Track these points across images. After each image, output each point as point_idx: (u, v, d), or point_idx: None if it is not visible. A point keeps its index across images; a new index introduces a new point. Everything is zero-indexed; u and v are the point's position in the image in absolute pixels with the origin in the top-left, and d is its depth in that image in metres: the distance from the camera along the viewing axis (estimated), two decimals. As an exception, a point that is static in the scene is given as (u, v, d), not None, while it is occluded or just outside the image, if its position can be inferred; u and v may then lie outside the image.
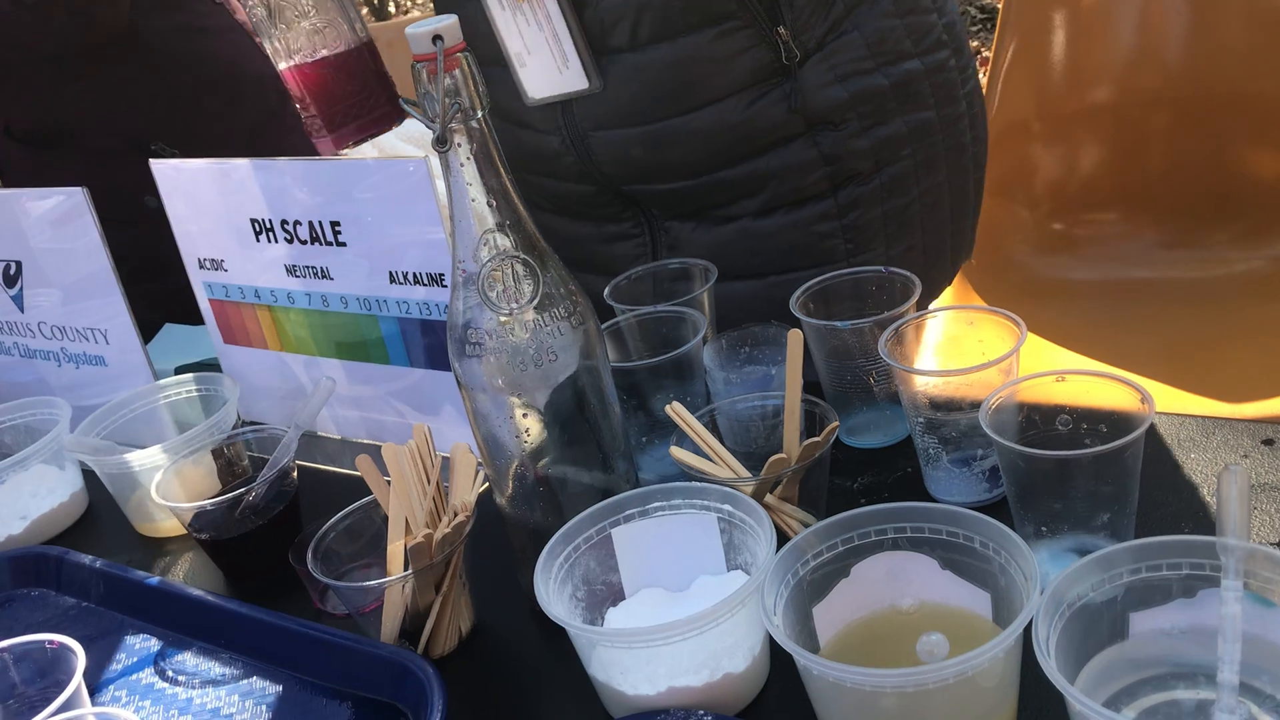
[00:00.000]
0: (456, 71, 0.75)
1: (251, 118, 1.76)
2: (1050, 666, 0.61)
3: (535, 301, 0.79)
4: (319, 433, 1.22)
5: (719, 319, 1.08)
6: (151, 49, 1.68)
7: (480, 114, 0.76)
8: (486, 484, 0.89)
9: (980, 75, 1.38)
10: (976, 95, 1.29)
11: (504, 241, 0.78)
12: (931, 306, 0.95)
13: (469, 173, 0.77)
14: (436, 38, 0.73)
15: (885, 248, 1.23)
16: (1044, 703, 0.71)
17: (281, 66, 1.03)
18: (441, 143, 0.75)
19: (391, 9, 6.54)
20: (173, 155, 1.66)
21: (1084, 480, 0.75)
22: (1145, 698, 0.67)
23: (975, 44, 4.49)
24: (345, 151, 1.07)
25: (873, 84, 1.16)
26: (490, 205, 0.78)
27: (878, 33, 1.16)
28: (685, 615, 0.72)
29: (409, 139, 2.23)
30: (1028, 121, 1.93)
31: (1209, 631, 0.65)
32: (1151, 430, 0.93)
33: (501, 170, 0.78)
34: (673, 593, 0.84)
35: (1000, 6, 1.97)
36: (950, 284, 1.37)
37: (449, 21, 0.74)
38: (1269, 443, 0.89)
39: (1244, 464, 0.87)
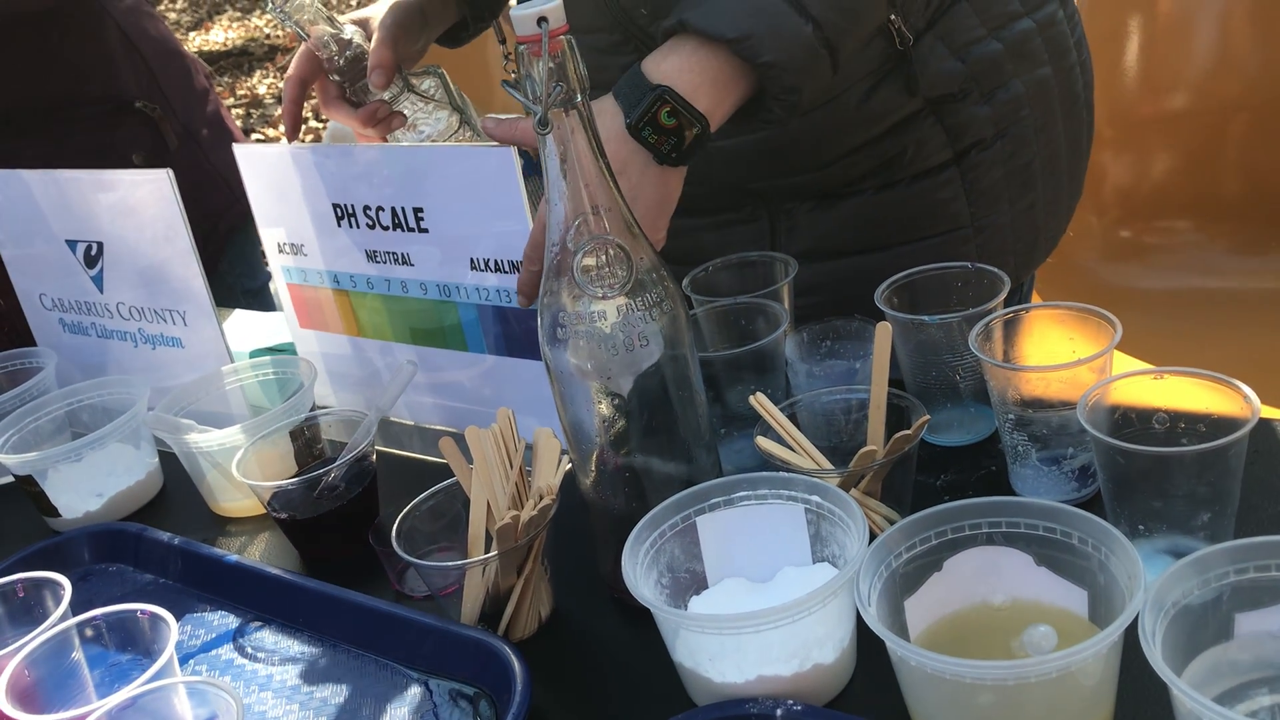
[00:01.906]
0: (559, 54, 0.75)
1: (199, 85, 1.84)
2: (1156, 657, 0.60)
3: (627, 287, 0.79)
4: (392, 418, 1.22)
5: (836, 299, 1.07)
6: (103, 14, 1.73)
7: (580, 97, 0.76)
8: (569, 468, 0.89)
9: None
10: (1084, 41, 1.27)
11: (598, 226, 0.78)
12: (1016, 305, 0.94)
13: (568, 156, 0.77)
14: (542, 19, 0.73)
15: (1010, 205, 1.21)
16: (1141, 703, 0.70)
17: None
18: (544, 125, 0.75)
19: None
20: (154, 113, 1.72)
21: (1184, 479, 0.73)
22: (1251, 700, 0.66)
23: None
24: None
25: (988, 51, 1.15)
26: (585, 188, 0.78)
27: None
28: (769, 604, 0.71)
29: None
30: (1099, 128, 1.90)
31: (1319, 634, 0.64)
32: (1259, 430, 0.92)
33: (598, 154, 0.78)
34: (756, 583, 0.83)
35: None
36: (1066, 231, 1.34)
37: (554, 3, 0.74)
38: (1368, 449, 0.87)
39: (1343, 470, 0.86)
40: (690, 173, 0.94)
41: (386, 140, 1.19)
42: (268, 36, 7.08)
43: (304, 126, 5.68)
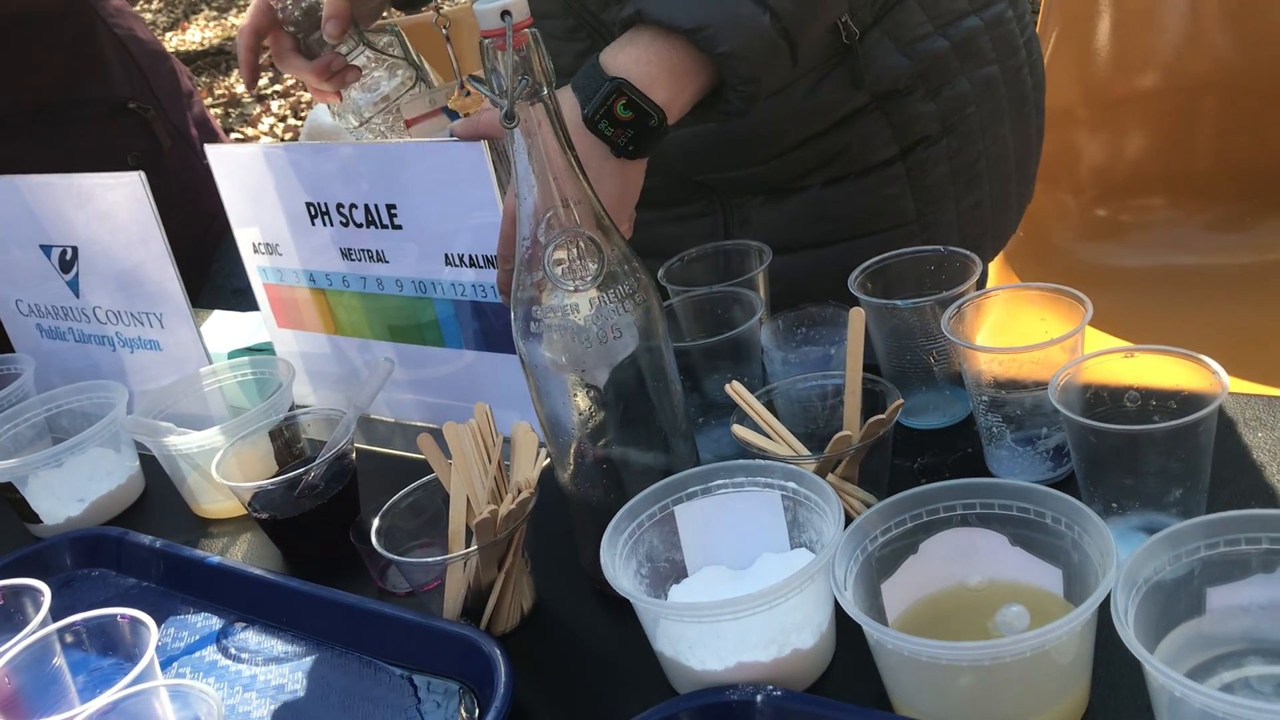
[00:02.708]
0: (524, 47, 0.75)
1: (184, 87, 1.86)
2: (1129, 634, 0.61)
3: (599, 278, 0.79)
4: (372, 415, 1.22)
5: (790, 291, 1.07)
6: (93, 15, 1.74)
7: (546, 90, 0.76)
8: (548, 461, 0.89)
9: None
10: (1034, 41, 1.27)
11: (568, 218, 0.78)
12: (989, 287, 0.94)
13: (535, 149, 0.77)
14: (505, 13, 0.73)
15: (955, 203, 1.22)
16: (1116, 679, 0.71)
17: None
18: (510, 119, 0.75)
19: (422, 4, 6.56)
20: (148, 114, 1.72)
21: (1156, 456, 0.74)
22: (1223, 673, 0.67)
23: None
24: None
25: (934, 48, 1.15)
26: (554, 181, 0.78)
27: None
28: (748, 591, 0.72)
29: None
30: (1072, 108, 1.92)
31: (1289, 607, 0.65)
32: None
33: (565, 147, 0.78)
34: (736, 570, 0.84)
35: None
36: (1016, 230, 1.35)
37: (518, -4, 0.74)
38: (1338, 422, 0.88)
39: (1313, 443, 0.86)
40: (648, 164, 0.94)
41: (341, 97, 1.18)
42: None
43: (284, 124, 5.67)
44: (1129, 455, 0.75)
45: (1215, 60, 1.77)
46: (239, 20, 7.20)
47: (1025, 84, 1.26)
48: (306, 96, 5.98)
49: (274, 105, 5.96)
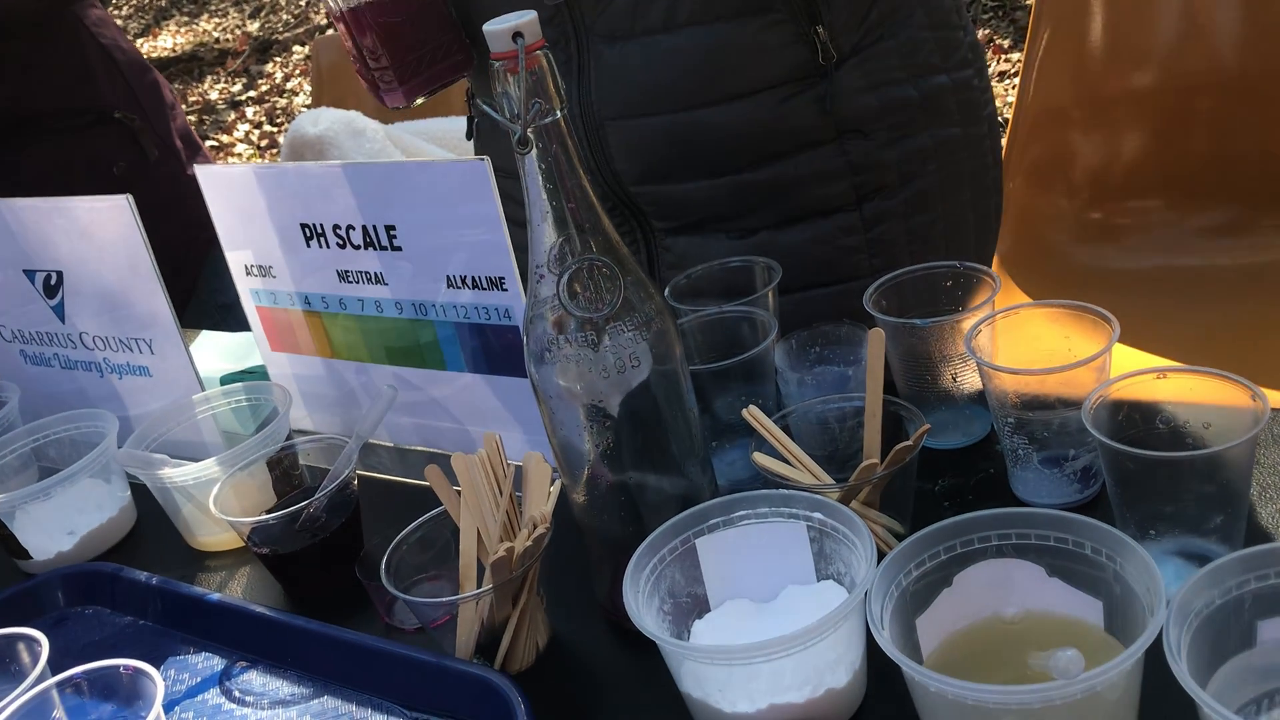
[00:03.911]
0: (536, 69, 0.72)
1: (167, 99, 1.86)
2: (1182, 670, 0.58)
3: (616, 306, 0.77)
4: (371, 440, 1.19)
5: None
6: (78, 25, 1.74)
7: (560, 113, 0.73)
8: (560, 490, 0.86)
9: (991, 65, 1.37)
10: (995, 122, 1.28)
11: (584, 244, 0.76)
12: (1010, 305, 0.92)
13: (548, 174, 0.74)
14: (517, 35, 0.70)
15: (911, 266, 1.20)
16: (1165, 715, 0.69)
17: (347, 7, 0.98)
18: (523, 144, 0.72)
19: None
20: (134, 124, 1.70)
21: (1196, 482, 0.72)
22: (1275, 711, 0.65)
23: (987, 32, 4.45)
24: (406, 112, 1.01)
25: (903, 94, 1.15)
26: (570, 207, 0.75)
27: (910, 43, 1.15)
28: (775, 626, 0.69)
29: (432, 138, 2.20)
30: (1065, 108, 1.90)
31: (1343, 639, 0.63)
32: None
33: (580, 171, 0.75)
34: (759, 604, 0.81)
35: (1035, -8, 1.93)
36: None
37: (529, 18, 0.71)
38: (1368, 437, 0.86)
39: (1345, 460, 0.85)
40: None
41: None
42: (217, 41, 6.97)
43: (259, 130, 5.60)
44: (1167, 481, 0.73)
45: (1212, 57, 1.75)
46: (210, 26, 7.14)
47: (986, 157, 1.25)
48: (282, 102, 5.93)
49: (249, 112, 5.91)
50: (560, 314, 0.77)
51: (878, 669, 0.76)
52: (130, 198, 1.14)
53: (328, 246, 1.10)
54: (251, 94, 6.12)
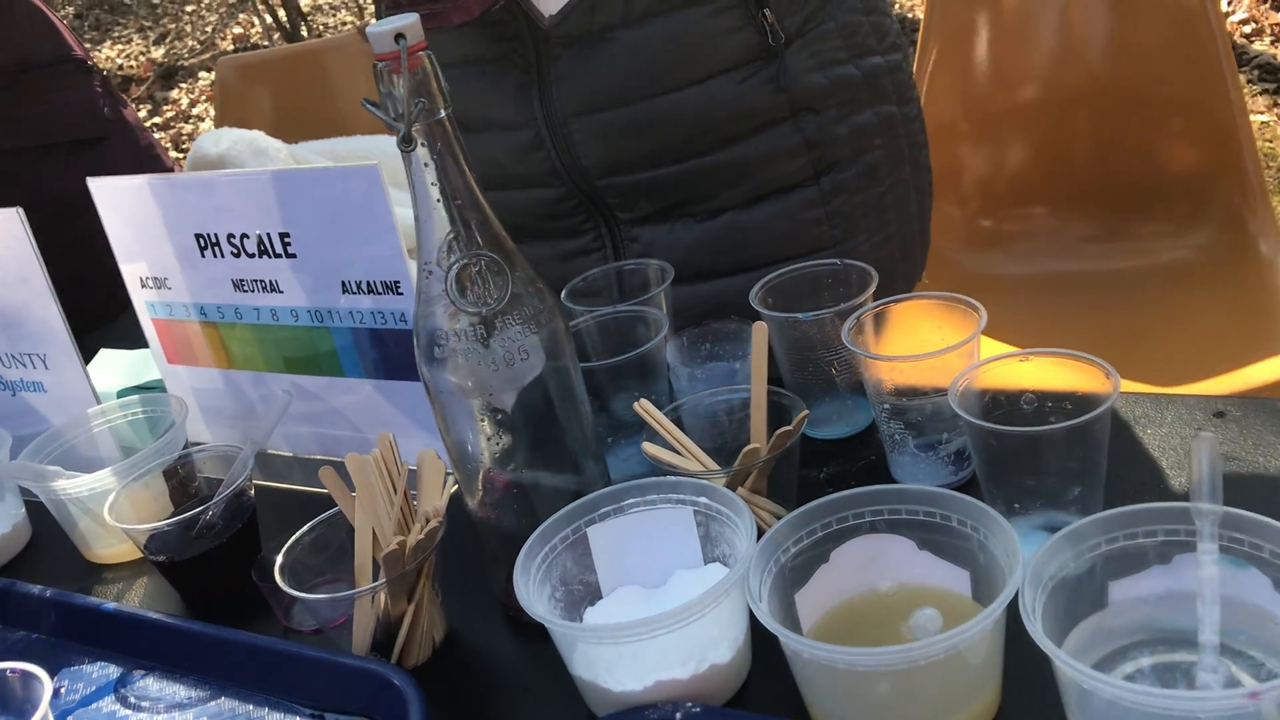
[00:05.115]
0: (419, 70, 0.74)
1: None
2: (1037, 630, 0.62)
3: (504, 301, 0.79)
4: (270, 450, 1.19)
5: (712, 318, 1.08)
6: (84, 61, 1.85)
7: (444, 112, 0.75)
8: (455, 488, 0.88)
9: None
10: (920, 105, 1.34)
11: (471, 240, 0.78)
12: (886, 298, 0.96)
13: (433, 172, 0.76)
14: (399, 36, 0.72)
15: (868, 235, 1.27)
16: (1027, 678, 0.72)
17: None
18: (407, 142, 0.74)
19: (304, 33, 6.48)
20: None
21: (1055, 456, 0.76)
22: (1127, 663, 0.68)
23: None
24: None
25: (847, 74, 1.21)
26: (456, 204, 0.77)
27: (849, 26, 1.22)
28: (663, 609, 0.71)
29: (337, 158, 2.20)
30: (954, 122, 1.97)
31: (1186, 596, 0.67)
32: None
33: (466, 169, 0.77)
34: (650, 589, 0.83)
35: (923, 12, 2.01)
36: (920, 278, 1.40)
37: (411, 20, 0.73)
38: (1220, 415, 0.92)
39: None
40: (545, 168, 0.91)
41: None
42: (120, 68, 6.85)
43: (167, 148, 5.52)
44: (1029, 456, 0.77)
45: (1089, 73, 1.84)
46: (114, 53, 7.02)
47: (919, 135, 1.33)
48: (188, 128, 5.85)
49: (153, 138, 5.81)
50: (449, 310, 0.79)
51: (763, 646, 0.78)
52: (20, 210, 1.13)
53: (222, 256, 1.10)
54: (156, 120, 6.03)
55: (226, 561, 0.98)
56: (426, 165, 0.76)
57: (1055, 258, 1.87)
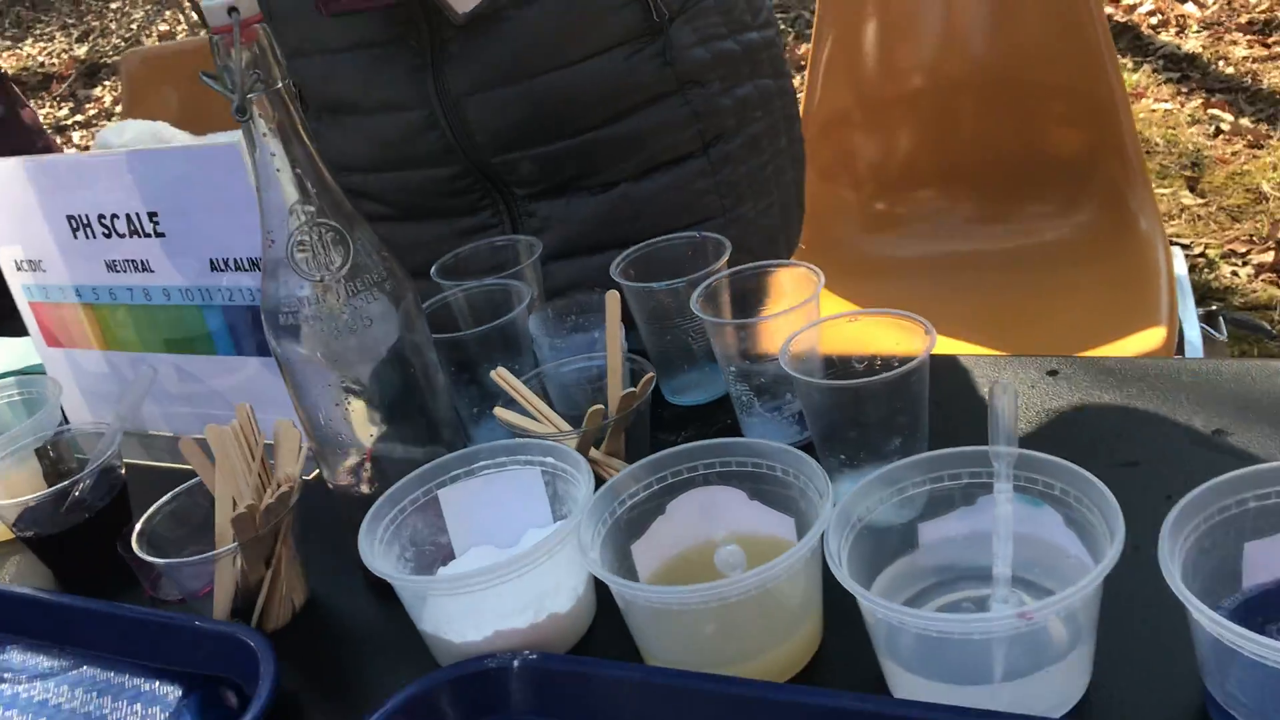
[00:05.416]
0: (254, 44, 0.76)
1: None
2: (842, 573, 0.65)
3: (346, 267, 0.81)
4: (151, 431, 1.20)
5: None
6: None
7: (280, 84, 0.77)
8: (311, 455, 0.90)
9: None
10: (791, 80, 1.38)
11: (310, 209, 0.80)
12: (734, 268, 1.00)
13: (272, 143, 0.78)
14: (232, 9, 0.74)
15: (754, 202, 1.32)
16: (848, 616, 0.76)
17: None
18: (241, 113, 0.76)
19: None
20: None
21: (875, 408, 0.80)
22: (936, 599, 0.72)
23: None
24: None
25: (727, 49, 1.26)
26: (296, 173, 0.79)
27: (726, 3, 1.27)
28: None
29: None
30: (848, 111, 2.02)
31: (989, 535, 0.70)
32: (955, 367, 1.00)
33: (306, 139, 0.79)
34: (503, 548, 0.86)
35: (816, 8, 2.06)
36: (799, 244, 1.44)
37: (244, -7, 0.75)
38: (1053, 373, 0.96)
39: (1030, 392, 0.94)
40: (439, 147, 0.93)
41: None
42: (41, 65, 6.74)
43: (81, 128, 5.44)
44: (851, 408, 0.80)
45: (971, 63, 1.90)
46: (35, 50, 6.90)
47: (792, 108, 1.38)
48: (111, 126, 5.76)
49: (75, 136, 5.73)
50: (292, 279, 0.80)
51: (608, 598, 0.81)
52: (-111, 194, 1.13)
53: (94, 237, 1.11)
54: (79, 118, 5.94)
55: (96, 536, 0.99)
56: (265, 135, 0.78)
57: (944, 239, 1.93)
